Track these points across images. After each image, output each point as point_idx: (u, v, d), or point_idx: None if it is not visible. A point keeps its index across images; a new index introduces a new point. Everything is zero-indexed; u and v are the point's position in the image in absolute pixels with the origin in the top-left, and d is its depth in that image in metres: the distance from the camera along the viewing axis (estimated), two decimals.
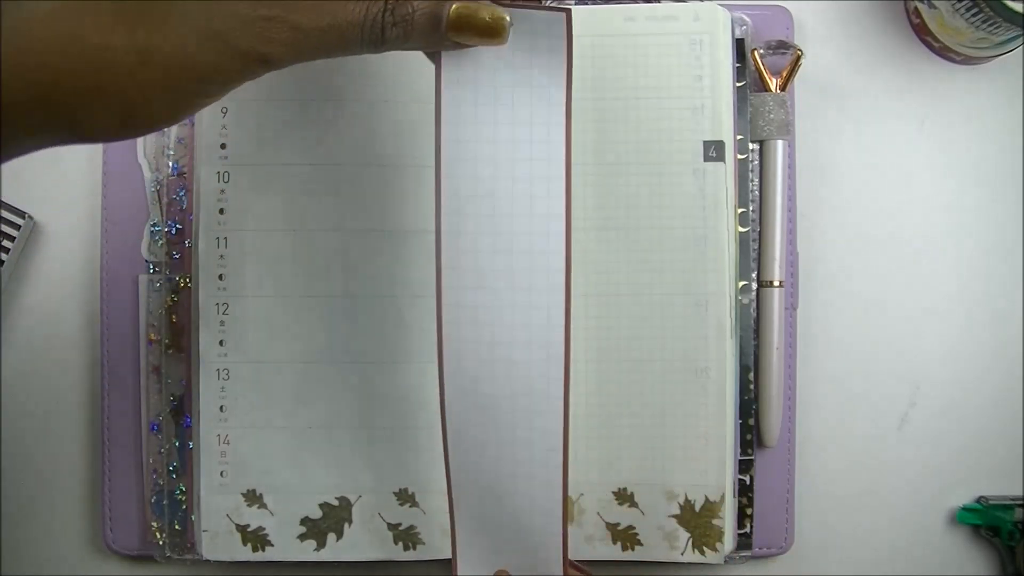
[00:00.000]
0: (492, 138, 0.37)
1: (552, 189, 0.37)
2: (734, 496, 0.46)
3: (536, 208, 0.37)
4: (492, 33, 0.35)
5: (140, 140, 0.48)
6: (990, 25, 0.45)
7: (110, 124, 0.32)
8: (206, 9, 0.31)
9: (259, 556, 0.46)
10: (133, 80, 0.31)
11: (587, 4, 0.48)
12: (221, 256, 0.46)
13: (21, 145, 0.32)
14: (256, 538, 0.46)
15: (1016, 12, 0.44)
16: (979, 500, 0.49)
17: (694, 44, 0.46)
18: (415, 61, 0.47)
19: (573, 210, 0.37)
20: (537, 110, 0.37)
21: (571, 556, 0.46)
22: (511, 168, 0.37)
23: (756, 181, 0.48)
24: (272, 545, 0.46)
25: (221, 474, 0.46)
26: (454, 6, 0.34)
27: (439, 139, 0.37)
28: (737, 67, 0.47)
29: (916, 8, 0.49)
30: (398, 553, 0.46)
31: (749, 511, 0.47)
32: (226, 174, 0.46)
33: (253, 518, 0.46)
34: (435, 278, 0.37)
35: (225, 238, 0.46)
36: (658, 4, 0.47)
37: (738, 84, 0.47)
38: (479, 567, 0.40)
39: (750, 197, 0.48)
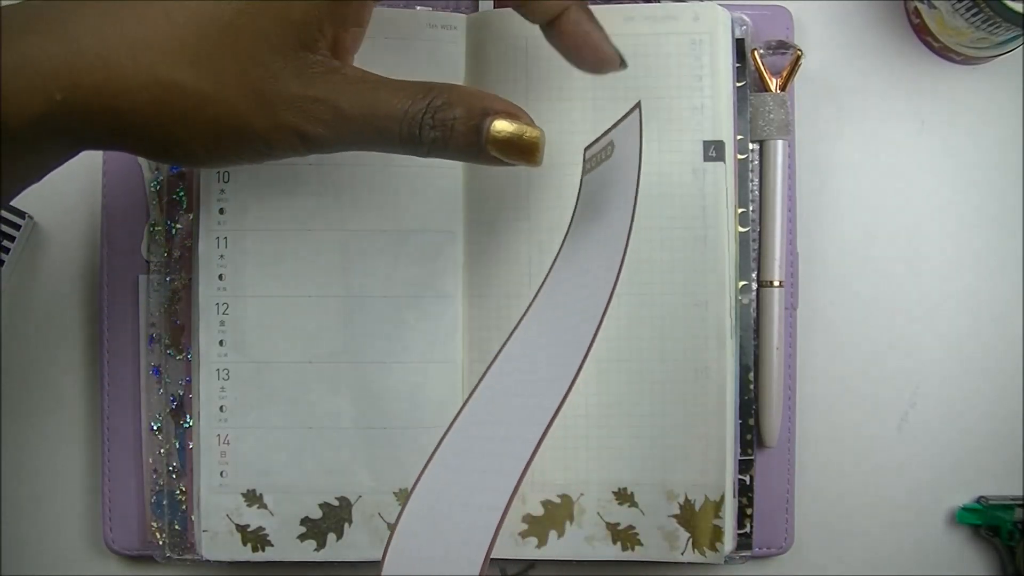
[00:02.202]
0: None
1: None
2: (734, 496, 0.46)
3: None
4: (529, 152, 0.36)
5: None
6: (990, 25, 0.45)
7: (152, 150, 0.35)
8: (262, 81, 0.33)
9: (259, 556, 0.46)
10: (183, 121, 0.33)
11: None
12: (221, 256, 0.46)
13: (72, 148, 0.34)
14: (256, 538, 0.46)
15: (1016, 12, 0.44)
16: (979, 500, 0.49)
17: (694, 44, 0.46)
18: (415, 61, 0.47)
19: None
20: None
21: (571, 556, 0.46)
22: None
23: (756, 181, 0.48)
24: (272, 545, 0.46)
25: (221, 474, 0.46)
26: (495, 121, 0.35)
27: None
28: (737, 67, 0.47)
29: (916, 8, 0.49)
30: None
31: (749, 511, 0.47)
32: (226, 174, 0.46)
33: (253, 518, 0.46)
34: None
35: (225, 238, 0.46)
36: (658, 4, 0.47)
37: (738, 84, 0.47)
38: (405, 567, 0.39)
39: (750, 197, 0.48)
